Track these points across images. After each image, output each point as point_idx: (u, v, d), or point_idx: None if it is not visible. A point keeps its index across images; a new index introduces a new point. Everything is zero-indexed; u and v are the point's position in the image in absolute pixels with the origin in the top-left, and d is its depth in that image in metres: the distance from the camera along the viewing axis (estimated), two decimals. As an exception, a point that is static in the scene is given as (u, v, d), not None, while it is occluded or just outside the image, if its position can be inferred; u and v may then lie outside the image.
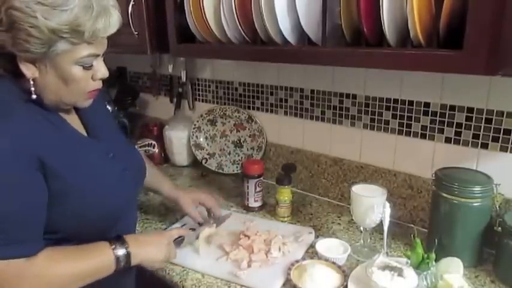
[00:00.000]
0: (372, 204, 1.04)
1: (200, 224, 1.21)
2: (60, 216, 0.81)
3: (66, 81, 0.80)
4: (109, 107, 1.92)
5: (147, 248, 0.93)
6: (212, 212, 1.24)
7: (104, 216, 0.88)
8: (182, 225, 1.26)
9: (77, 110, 0.93)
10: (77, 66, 0.79)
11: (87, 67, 0.81)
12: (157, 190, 1.25)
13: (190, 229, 1.14)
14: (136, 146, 1.83)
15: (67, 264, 0.81)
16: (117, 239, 0.89)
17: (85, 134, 0.92)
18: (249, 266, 1.03)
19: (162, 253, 0.96)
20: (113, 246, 0.86)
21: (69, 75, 0.79)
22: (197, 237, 1.11)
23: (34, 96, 0.79)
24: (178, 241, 1.04)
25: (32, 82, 0.79)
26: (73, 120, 0.91)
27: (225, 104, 1.72)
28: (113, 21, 0.80)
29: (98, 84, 0.86)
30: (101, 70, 0.84)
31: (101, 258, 0.85)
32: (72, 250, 0.84)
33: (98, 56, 0.83)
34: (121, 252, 0.87)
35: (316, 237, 1.18)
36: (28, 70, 0.78)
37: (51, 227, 0.81)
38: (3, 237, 0.74)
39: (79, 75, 0.80)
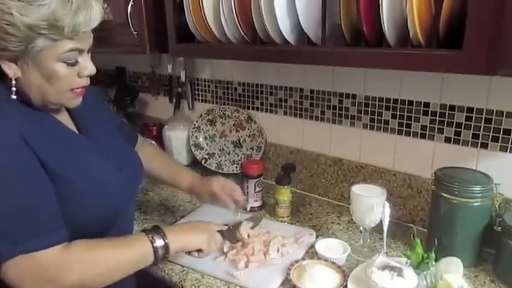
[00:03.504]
0: (372, 204, 1.04)
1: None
2: None
3: (50, 80, 0.77)
4: (108, 107, 1.92)
5: (184, 236, 0.92)
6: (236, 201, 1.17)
7: (100, 216, 0.86)
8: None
9: (68, 110, 0.91)
10: (60, 62, 0.76)
11: (71, 63, 0.78)
12: (174, 185, 1.24)
13: (225, 225, 1.09)
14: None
15: (107, 251, 0.81)
16: (154, 230, 0.87)
17: (77, 133, 0.90)
18: (246, 266, 1.03)
19: (204, 235, 0.95)
20: (151, 237, 0.85)
21: (52, 72, 0.76)
22: (235, 239, 1.09)
23: (14, 97, 0.77)
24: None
25: (14, 82, 0.76)
26: (64, 120, 0.89)
27: (224, 104, 1.72)
28: (94, 14, 0.76)
29: (85, 82, 0.83)
30: (88, 67, 0.81)
31: (139, 247, 0.84)
32: (108, 240, 0.83)
33: (82, 51, 0.79)
34: (159, 243, 0.85)
35: (316, 237, 1.18)
36: (10, 69, 0.75)
37: None
38: (30, 228, 0.73)
39: (63, 72, 0.77)
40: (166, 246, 0.86)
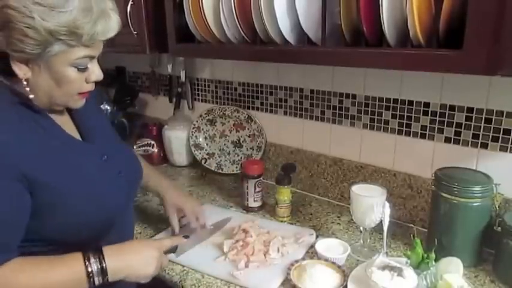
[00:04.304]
0: (372, 204, 1.04)
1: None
2: (52, 223, 0.79)
3: (59, 83, 0.79)
4: (108, 107, 1.92)
5: (133, 261, 0.85)
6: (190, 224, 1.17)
7: (96, 220, 0.85)
8: (181, 226, 1.25)
9: (69, 111, 0.91)
10: (72, 67, 0.78)
11: (82, 69, 0.80)
12: (154, 191, 1.22)
13: (184, 236, 1.04)
14: (135, 146, 1.83)
15: (35, 274, 0.76)
16: (94, 252, 0.80)
17: (78, 136, 0.90)
18: (246, 266, 1.03)
19: (152, 267, 0.87)
20: (87, 259, 0.79)
21: (63, 76, 0.78)
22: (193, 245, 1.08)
23: (31, 96, 0.78)
24: (173, 248, 0.97)
25: (25, 82, 0.77)
26: (65, 122, 0.89)
27: (224, 104, 1.72)
28: (112, 25, 0.79)
29: (91, 87, 0.85)
30: (96, 72, 0.83)
31: (71, 271, 0.78)
32: (42, 261, 0.78)
33: (93, 57, 0.81)
34: (95, 266, 0.78)
35: (316, 237, 1.18)
36: (20, 70, 0.76)
37: (44, 236, 0.80)
38: None
39: (73, 77, 0.79)
40: (102, 270, 0.79)
